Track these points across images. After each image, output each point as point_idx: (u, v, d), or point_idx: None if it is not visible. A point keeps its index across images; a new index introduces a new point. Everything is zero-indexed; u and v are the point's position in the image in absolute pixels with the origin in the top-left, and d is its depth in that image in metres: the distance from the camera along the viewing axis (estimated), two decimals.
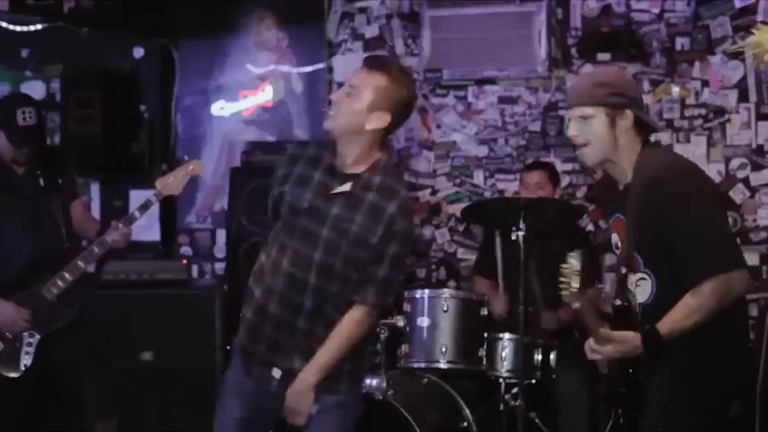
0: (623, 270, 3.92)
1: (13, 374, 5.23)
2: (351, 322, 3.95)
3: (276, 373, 4.01)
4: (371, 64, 3.98)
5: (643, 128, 3.90)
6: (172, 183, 5.25)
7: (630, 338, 3.71)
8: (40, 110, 5.37)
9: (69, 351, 5.36)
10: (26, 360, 5.22)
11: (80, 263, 5.24)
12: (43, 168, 5.45)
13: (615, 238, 4.01)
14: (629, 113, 3.83)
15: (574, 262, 3.75)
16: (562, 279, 3.75)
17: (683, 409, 3.75)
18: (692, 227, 3.70)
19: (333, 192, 3.94)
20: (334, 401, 4.02)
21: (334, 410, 4.04)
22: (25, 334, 5.21)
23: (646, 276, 3.84)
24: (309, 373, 3.94)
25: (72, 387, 5.42)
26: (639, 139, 3.88)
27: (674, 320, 3.68)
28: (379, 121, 3.95)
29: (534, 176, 6.10)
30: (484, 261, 6.25)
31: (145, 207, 5.27)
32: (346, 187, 3.93)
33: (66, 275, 5.23)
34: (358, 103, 3.91)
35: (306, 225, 3.94)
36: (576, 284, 3.71)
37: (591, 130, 3.87)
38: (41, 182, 5.44)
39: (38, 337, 5.23)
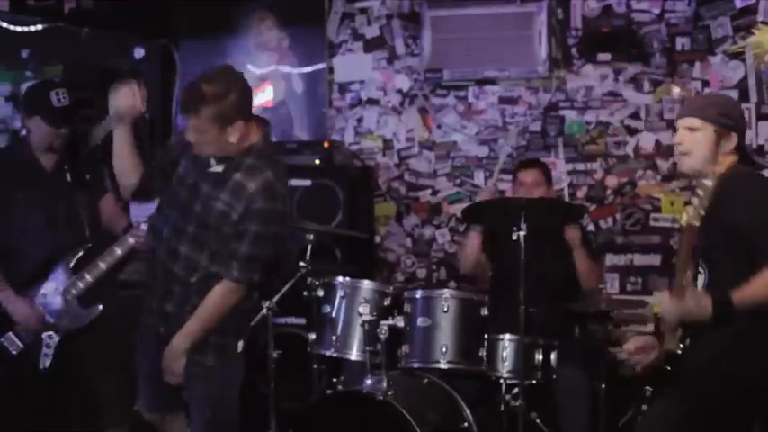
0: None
1: (31, 373, 5.24)
2: (216, 295, 4.37)
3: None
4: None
5: (743, 156, 4.15)
6: None
7: (703, 298, 3.80)
8: (71, 92, 5.41)
9: (89, 352, 5.36)
10: (45, 361, 5.22)
11: (101, 264, 5.24)
12: (71, 163, 5.44)
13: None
14: (734, 136, 4.10)
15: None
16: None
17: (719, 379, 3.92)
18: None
19: (208, 170, 4.38)
20: (200, 373, 4.43)
21: (201, 380, 4.46)
22: (44, 335, 5.21)
23: (701, 271, 4.06)
24: (178, 339, 4.39)
25: (90, 388, 5.43)
26: (734, 159, 4.12)
27: (749, 290, 3.81)
28: (237, 132, 4.32)
29: (530, 175, 6.10)
30: (486, 246, 6.21)
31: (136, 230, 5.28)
32: (219, 168, 4.38)
33: (87, 276, 5.23)
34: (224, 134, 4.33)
35: (185, 198, 4.40)
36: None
37: (696, 141, 4.13)
38: (68, 177, 5.42)
39: (57, 338, 5.23)
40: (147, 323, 4.62)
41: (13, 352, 5.21)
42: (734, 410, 3.97)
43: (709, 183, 3.84)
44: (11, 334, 5.21)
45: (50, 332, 5.22)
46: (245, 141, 4.38)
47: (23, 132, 5.44)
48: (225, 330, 4.48)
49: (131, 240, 5.24)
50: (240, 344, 4.54)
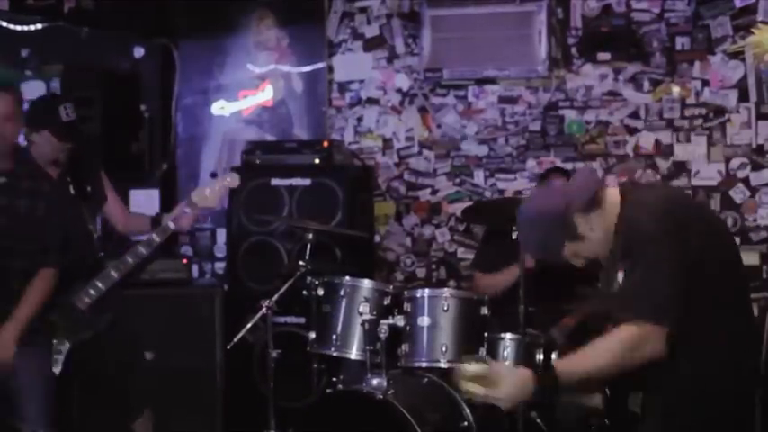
0: None
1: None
2: (42, 282, 4.96)
3: None
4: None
5: (596, 200, 3.74)
6: (208, 195, 5.25)
7: (524, 377, 3.52)
8: (75, 104, 5.47)
9: (109, 353, 5.38)
10: (56, 368, 5.22)
11: (113, 272, 5.25)
12: (73, 176, 5.46)
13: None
14: (579, 219, 3.71)
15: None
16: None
17: None
18: (635, 274, 3.57)
19: None
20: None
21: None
22: (54, 341, 5.22)
23: None
24: (8, 329, 4.89)
25: (113, 388, 5.44)
26: (604, 205, 3.74)
27: (576, 361, 3.57)
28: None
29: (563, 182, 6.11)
30: (483, 257, 6.24)
31: (176, 216, 5.29)
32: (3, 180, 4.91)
33: (99, 285, 5.23)
34: None
35: None
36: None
37: (583, 255, 3.78)
38: (71, 190, 5.44)
39: (68, 344, 5.23)
40: None
41: None
42: None
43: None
44: None
45: (61, 339, 5.22)
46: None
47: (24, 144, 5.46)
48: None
49: (143, 250, 5.25)
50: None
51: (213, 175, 5.35)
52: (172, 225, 5.24)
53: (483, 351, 5.36)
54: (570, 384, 3.49)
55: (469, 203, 7.07)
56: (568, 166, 6.91)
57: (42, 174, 5.12)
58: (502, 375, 3.50)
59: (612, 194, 3.74)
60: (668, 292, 3.47)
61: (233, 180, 5.43)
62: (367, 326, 5.23)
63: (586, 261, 3.80)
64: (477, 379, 3.46)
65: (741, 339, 3.66)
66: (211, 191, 5.25)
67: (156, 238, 5.27)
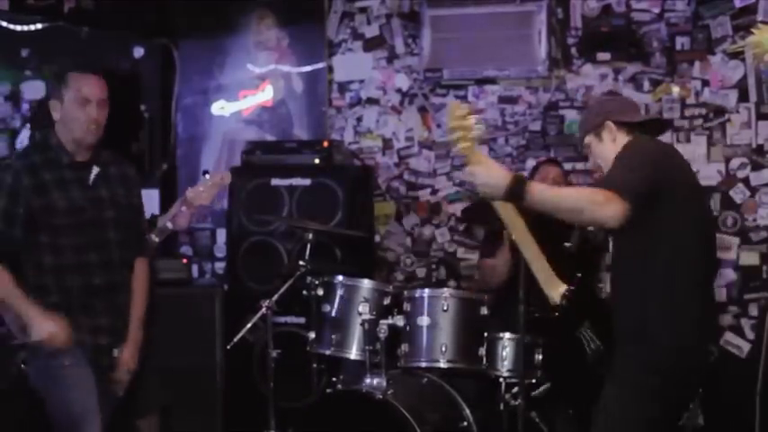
0: None
1: None
2: (145, 274, 4.78)
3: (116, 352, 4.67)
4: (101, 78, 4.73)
5: (631, 126, 4.27)
6: (202, 192, 5.25)
7: (503, 170, 3.91)
8: None
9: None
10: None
11: None
12: None
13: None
14: (608, 124, 4.25)
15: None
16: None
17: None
18: (618, 165, 4.04)
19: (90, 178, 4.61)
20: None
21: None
22: None
23: None
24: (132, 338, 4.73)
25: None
26: (631, 137, 4.24)
27: (550, 187, 4.17)
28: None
29: (554, 171, 6.16)
30: (490, 248, 6.22)
31: (173, 216, 5.29)
32: (95, 171, 4.64)
33: None
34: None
35: (91, 216, 4.56)
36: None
37: (594, 154, 4.33)
38: None
39: None
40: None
41: None
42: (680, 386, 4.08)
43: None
44: None
45: None
46: None
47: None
48: None
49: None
50: None
51: (205, 173, 5.33)
52: (170, 225, 5.23)
53: (483, 351, 5.37)
54: (537, 199, 3.84)
55: (469, 203, 7.07)
56: (568, 166, 6.91)
57: (121, 157, 4.89)
58: (483, 159, 3.95)
59: (639, 137, 4.24)
60: (636, 179, 3.90)
61: (225, 177, 5.43)
62: (367, 326, 5.24)
63: (592, 164, 4.40)
64: (462, 129, 3.86)
65: (685, 256, 4.02)
66: (205, 188, 5.24)
67: (154, 238, 5.27)
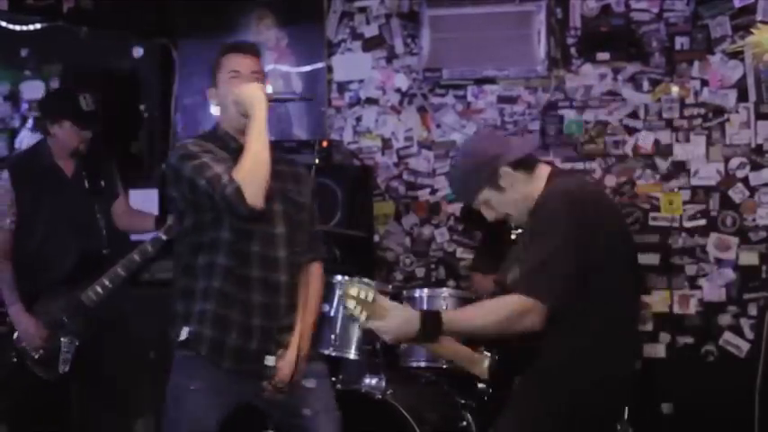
0: None
1: (51, 377, 5.27)
2: (319, 280, 4.37)
3: (270, 360, 4.16)
4: (256, 50, 4.38)
5: (527, 164, 3.92)
6: None
7: (410, 314, 3.70)
8: (102, 108, 5.51)
9: (112, 353, 5.40)
10: (64, 366, 5.24)
11: (120, 270, 5.26)
12: (88, 170, 5.48)
13: None
14: (503, 171, 3.87)
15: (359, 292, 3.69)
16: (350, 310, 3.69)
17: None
18: (534, 248, 3.74)
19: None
20: (323, 369, 4.38)
21: (326, 378, 4.39)
22: (64, 340, 5.23)
23: None
24: (302, 344, 4.25)
25: (116, 389, 5.46)
26: (532, 173, 3.91)
27: (463, 313, 3.87)
28: None
29: None
30: (481, 258, 6.26)
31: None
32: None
33: (106, 283, 5.25)
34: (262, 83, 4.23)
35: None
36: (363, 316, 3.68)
37: (498, 207, 3.94)
38: (86, 184, 5.47)
39: (77, 343, 5.25)
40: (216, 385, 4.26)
41: (35, 356, 5.25)
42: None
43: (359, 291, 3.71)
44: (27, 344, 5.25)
45: (69, 338, 5.24)
46: None
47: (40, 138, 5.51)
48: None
49: (150, 248, 5.26)
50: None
51: None
52: (151, 249, 5.25)
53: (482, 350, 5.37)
54: (452, 332, 3.71)
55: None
56: (567, 166, 6.91)
57: (282, 156, 4.50)
58: (388, 308, 3.68)
59: (543, 171, 3.93)
60: (558, 273, 3.65)
61: None
62: None
63: (494, 217, 3.97)
64: (362, 304, 3.64)
65: (615, 331, 3.81)
66: None
67: (163, 236, 5.28)
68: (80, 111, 5.38)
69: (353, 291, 3.63)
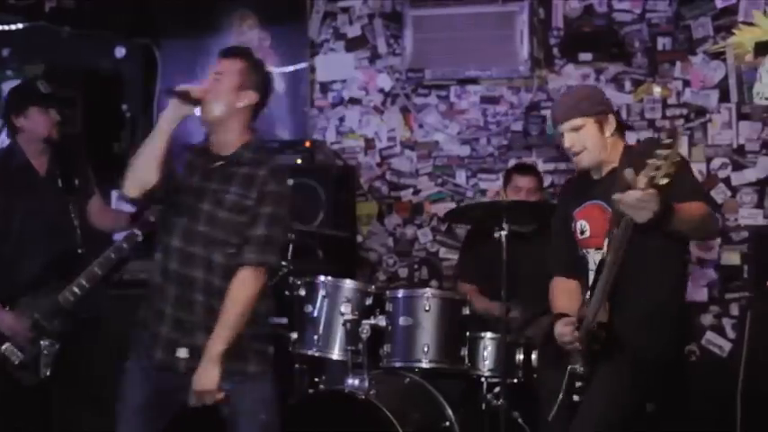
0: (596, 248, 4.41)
1: (33, 382, 5.24)
2: (235, 287, 4.18)
3: (181, 352, 4.21)
4: (229, 52, 4.43)
5: (620, 127, 4.51)
6: None
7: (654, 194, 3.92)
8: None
9: (92, 357, 5.38)
10: (45, 370, 5.21)
11: (97, 270, 5.23)
12: (61, 169, 5.45)
13: (582, 224, 4.48)
14: (611, 118, 4.44)
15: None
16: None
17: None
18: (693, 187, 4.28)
19: (211, 167, 4.32)
20: (243, 381, 4.23)
21: (245, 390, 4.25)
22: (45, 343, 5.21)
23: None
24: (214, 346, 4.14)
25: (97, 393, 5.44)
26: (621, 138, 4.50)
27: (685, 207, 4.06)
28: (248, 98, 4.34)
29: (527, 182, 6.13)
30: (465, 265, 6.27)
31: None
32: (220, 164, 4.33)
33: (84, 282, 5.21)
34: (227, 85, 4.30)
35: (191, 202, 4.27)
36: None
37: (584, 137, 4.40)
38: (60, 183, 5.43)
39: (57, 346, 5.22)
40: (142, 347, 4.33)
41: (15, 362, 5.22)
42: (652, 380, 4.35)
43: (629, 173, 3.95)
44: (10, 344, 5.21)
45: (50, 341, 5.21)
46: (245, 133, 4.42)
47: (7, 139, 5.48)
48: (261, 334, 4.35)
49: (126, 246, 5.24)
50: (271, 349, 4.39)
51: None
52: (152, 218, 5.21)
53: (465, 351, 5.37)
54: (677, 224, 4.01)
55: (452, 205, 7.07)
56: (550, 166, 6.93)
57: (263, 161, 4.45)
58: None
59: (620, 142, 4.51)
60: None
61: None
62: (349, 326, 5.24)
63: (570, 145, 4.41)
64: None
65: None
66: None
67: (137, 232, 5.26)
68: (40, 93, 5.36)
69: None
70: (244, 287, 4.19)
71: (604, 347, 4.22)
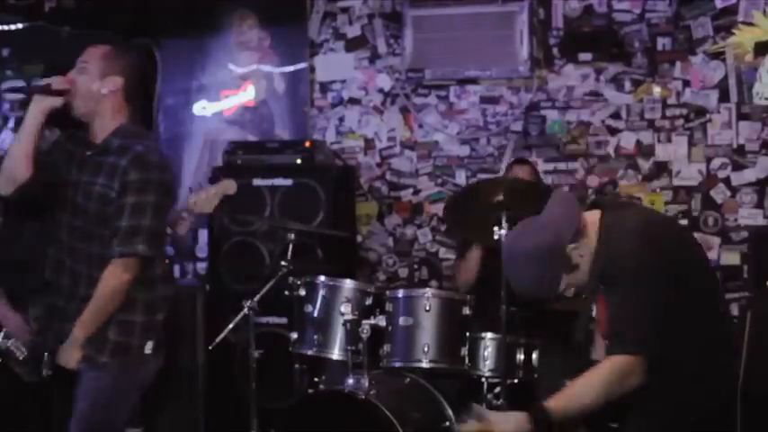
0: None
1: (34, 379, 5.23)
2: (104, 276, 4.27)
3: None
4: (94, 45, 4.56)
5: (579, 227, 3.88)
6: (205, 200, 5.23)
7: (517, 418, 3.67)
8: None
9: None
10: (47, 369, 5.20)
11: None
12: None
13: (596, 310, 4.08)
14: (570, 248, 3.82)
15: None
16: None
17: None
18: (622, 300, 3.73)
19: (83, 158, 4.38)
20: (90, 369, 4.36)
21: (90, 377, 4.38)
22: (48, 342, 5.20)
23: None
24: (76, 330, 4.31)
25: None
26: (586, 230, 3.87)
27: (568, 397, 3.71)
28: (113, 84, 4.40)
29: (524, 170, 6.18)
30: (466, 249, 6.24)
31: (174, 221, 5.27)
32: (89, 154, 4.38)
33: None
34: (90, 73, 4.41)
35: (71, 195, 4.35)
36: None
37: (579, 281, 3.88)
38: None
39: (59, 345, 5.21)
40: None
41: (20, 357, 5.21)
42: None
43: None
44: (15, 340, 5.21)
45: (53, 341, 5.21)
46: (115, 119, 4.42)
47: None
48: (129, 328, 4.39)
49: None
50: (149, 344, 4.42)
51: (212, 181, 5.34)
52: (169, 230, 5.22)
53: (465, 351, 5.37)
54: (565, 417, 3.65)
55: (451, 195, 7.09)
56: (550, 166, 6.93)
57: (130, 148, 4.48)
58: (494, 422, 3.70)
59: (592, 217, 3.88)
60: (648, 320, 3.66)
61: (228, 187, 5.41)
62: (349, 326, 5.23)
63: (576, 290, 3.91)
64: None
65: (711, 348, 3.83)
66: (208, 196, 5.23)
67: None
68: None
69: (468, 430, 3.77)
70: (109, 278, 4.28)
71: None
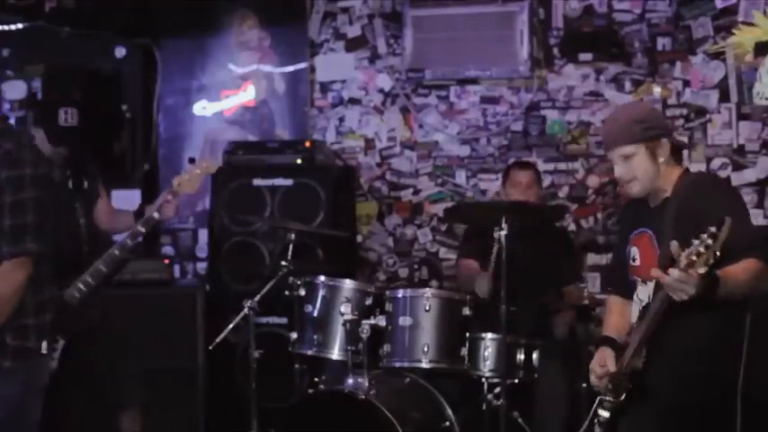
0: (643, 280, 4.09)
1: None
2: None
3: None
4: None
5: (676, 150, 4.18)
6: (188, 180, 5.25)
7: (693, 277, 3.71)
8: (85, 109, 5.37)
9: (96, 351, 5.38)
10: (51, 365, 5.21)
11: (102, 267, 5.23)
12: (72, 170, 5.46)
13: (634, 251, 4.18)
14: (665, 142, 4.06)
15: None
16: None
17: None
18: (741, 218, 3.87)
19: None
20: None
21: None
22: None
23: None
24: None
25: (101, 388, 5.44)
26: (676, 162, 4.15)
27: (730, 272, 3.79)
28: None
29: (525, 176, 6.13)
30: (468, 246, 6.24)
31: (160, 206, 5.27)
32: None
33: (89, 279, 5.22)
34: None
35: None
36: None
37: (635, 165, 4.07)
38: (70, 185, 5.44)
39: (62, 342, 5.22)
40: None
41: None
42: (715, 414, 4.09)
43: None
44: None
45: (56, 337, 5.21)
46: None
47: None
48: (24, 331, 4.22)
49: (130, 243, 5.24)
50: (44, 345, 4.28)
51: (191, 161, 5.34)
52: (156, 215, 5.23)
53: (465, 351, 5.37)
54: (726, 295, 3.78)
55: (451, 203, 7.09)
56: (550, 166, 6.93)
57: None
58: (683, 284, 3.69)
59: (678, 170, 4.16)
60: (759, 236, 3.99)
61: (211, 165, 5.43)
62: (349, 326, 5.23)
63: (621, 174, 4.09)
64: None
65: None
66: (191, 176, 5.25)
67: (140, 229, 5.27)
68: (54, 126, 5.35)
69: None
70: (3, 281, 4.10)
71: (631, 397, 4.02)
